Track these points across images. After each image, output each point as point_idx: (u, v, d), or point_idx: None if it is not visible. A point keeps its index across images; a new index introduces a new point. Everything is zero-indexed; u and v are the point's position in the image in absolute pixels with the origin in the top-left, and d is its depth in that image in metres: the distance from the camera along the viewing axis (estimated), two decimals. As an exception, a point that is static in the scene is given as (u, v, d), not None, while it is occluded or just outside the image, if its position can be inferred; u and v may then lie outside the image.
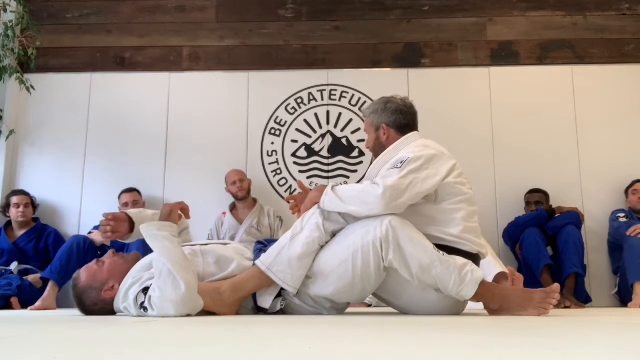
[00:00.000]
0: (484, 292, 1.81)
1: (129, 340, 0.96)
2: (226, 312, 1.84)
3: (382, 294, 1.99)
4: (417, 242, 1.79)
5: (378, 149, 2.14)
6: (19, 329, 1.29)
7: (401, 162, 1.88)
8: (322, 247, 1.89)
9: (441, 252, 1.80)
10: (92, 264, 1.98)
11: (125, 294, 1.80)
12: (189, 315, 1.71)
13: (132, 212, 2.06)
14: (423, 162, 1.89)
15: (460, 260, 1.81)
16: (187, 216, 2.05)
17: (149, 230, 1.82)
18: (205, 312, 1.81)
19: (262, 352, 0.76)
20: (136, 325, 1.37)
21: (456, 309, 1.94)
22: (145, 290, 1.74)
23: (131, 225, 2.01)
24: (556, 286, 1.77)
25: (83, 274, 1.96)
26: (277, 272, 1.83)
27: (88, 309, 1.93)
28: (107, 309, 1.91)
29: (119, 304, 1.84)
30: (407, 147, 2.04)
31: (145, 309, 1.72)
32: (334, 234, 1.91)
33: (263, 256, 1.86)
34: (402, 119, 2.14)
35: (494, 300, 1.83)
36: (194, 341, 0.91)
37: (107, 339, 0.98)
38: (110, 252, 2.02)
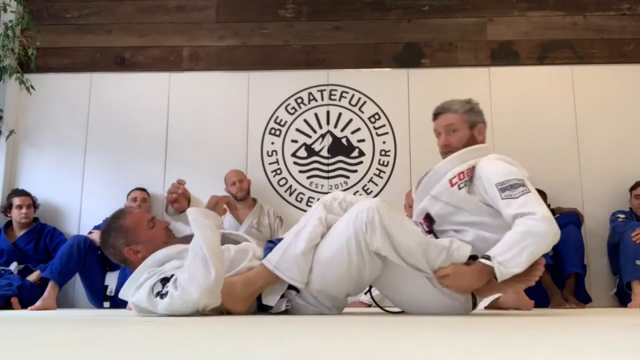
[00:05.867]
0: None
1: (129, 340, 0.96)
2: (238, 307, 1.85)
3: (384, 290, 2.00)
4: (405, 227, 1.81)
5: (466, 147, 2.06)
6: (19, 329, 1.29)
7: (517, 180, 1.85)
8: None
9: (429, 236, 1.84)
10: (146, 217, 1.97)
11: (139, 288, 1.78)
12: (204, 309, 1.71)
13: (194, 197, 2.11)
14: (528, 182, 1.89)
15: (446, 240, 1.85)
16: (232, 211, 2.09)
17: (196, 214, 1.84)
18: (215, 312, 1.81)
19: (262, 352, 0.76)
20: (136, 325, 1.37)
21: (458, 309, 1.94)
22: (164, 280, 1.74)
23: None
24: (541, 259, 1.81)
25: (131, 218, 1.95)
26: (284, 270, 1.83)
27: (106, 244, 1.95)
28: (117, 259, 1.95)
29: (127, 293, 1.83)
30: (492, 160, 1.97)
31: (162, 296, 1.70)
32: None
33: (270, 255, 1.87)
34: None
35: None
36: (195, 341, 0.91)
37: (108, 339, 0.98)
38: (165, 222, 2.02)
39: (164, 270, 1.80)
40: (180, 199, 2.06)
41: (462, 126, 2.09)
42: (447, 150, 2.09)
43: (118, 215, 1.97)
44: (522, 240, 1.76)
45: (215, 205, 1.96)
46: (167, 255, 1.88)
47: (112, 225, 1.95)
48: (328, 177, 4.09)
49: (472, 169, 1.96)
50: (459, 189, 1.94)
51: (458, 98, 2.17)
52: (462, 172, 1.96)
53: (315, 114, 4.19)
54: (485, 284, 1.81)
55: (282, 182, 4.11)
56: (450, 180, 1.96)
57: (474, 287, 1.81)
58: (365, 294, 2.18)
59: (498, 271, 1.75)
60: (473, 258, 1.87)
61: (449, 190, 1.96)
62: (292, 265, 1.83)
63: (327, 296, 1.92)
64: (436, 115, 2.16)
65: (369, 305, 3.33)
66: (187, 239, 1.99)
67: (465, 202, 1.94)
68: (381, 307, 2.20)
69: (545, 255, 3.46)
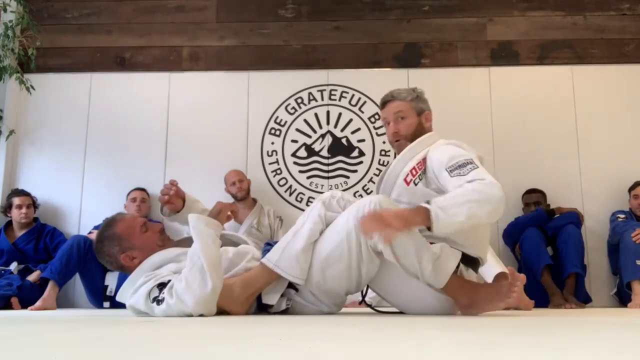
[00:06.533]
0: (455, 285, 1.82)
1: (129, 340, 0.96)
2: (236, 309, 1.84)
3: (381, 290, 2.00)
4: None
5: (415, 135, 2.08)
6: (19, 329, 1.29)
7: (465, 159, 1.84)
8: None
9: (424, 240, 1.81)
10: (138, 222, 1.95)
11: (135, 292, 1.78)
12: (201, 315, 1.70)
13: (189, 197, 2.10)
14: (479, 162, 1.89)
15: (437, 247, 1.82)
16: (236, 219, 2.07)
17: (198, 222, 1.83)
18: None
19: (262, 352, 0.76)
20: (136, 325, 1.37)
21: (454, 309, 1.94)
22: (160, 285, 1.74)
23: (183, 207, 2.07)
24: (516, 276, 1.77)
25: (123, 225, 1.93)
26: (284, 268, 1.83)
27: (101, 253, 1.94)
28: (113, 266, 1.94)
29: (125, 295, 1.83)
30: (440, 146, 1.97)
31: (158, 302, 1.71)
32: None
33: (269, 254, 1.87)
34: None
35: (465, 294, 1.81)
36: (194, 341, 0.91)
37: (108, 339, 0.98)
38: (159, 226, 2.01)
39: (161, 274, 1.79)
40: (173, 200, 2.05)
41: (411, 113, 2.11)
42: (396, 138, 2.11)
43: (110, 224, 1.96)
44: (466, 194, 1.71)
45: (218, 212, 1.95)
46: (164, 258, 1.87)
47: (104, 234, 1.93)
48: (328, 177, 4.09)
49: (423, 161, 1.96)
50: (415, 184, 1.94)
51: (404, 87, 2.20)
52: (414, 168, 1.96)
53: (315, 114, 4.19)
54: (418, 223, 1.71)
55: (282, 182, 4.11)
56: (405, 179, 1.96)
57: (405, 217, 1.68)
58: (360, 303, 2.17)
59: (434, 214, 1.66)
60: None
61: (406, 190, 1.95)
62: (292, 262, 1.83)
63: (326, 293, 1.92)
64: (384, 103, 2.17)
65: (369, 305, 3.32)
66: (182, 242, 1.99)
67: (425, 197, 1.90)
68: (374, 309, 2.20)
69: (544, 255, 3.50)
